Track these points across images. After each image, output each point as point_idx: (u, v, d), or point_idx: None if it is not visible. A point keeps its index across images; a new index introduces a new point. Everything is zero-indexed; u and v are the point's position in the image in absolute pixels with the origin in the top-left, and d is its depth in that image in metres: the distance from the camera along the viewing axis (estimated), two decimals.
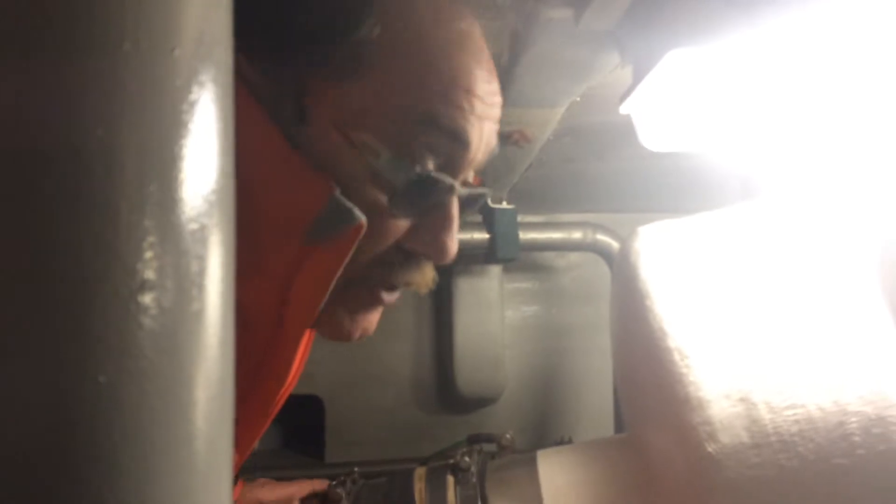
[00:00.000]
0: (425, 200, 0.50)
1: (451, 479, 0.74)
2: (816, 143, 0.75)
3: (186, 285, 0.23)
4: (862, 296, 0.59)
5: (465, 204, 0.54)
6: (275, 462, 1.46)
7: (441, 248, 0.51)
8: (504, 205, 1.30)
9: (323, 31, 0.47)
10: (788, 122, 0.71)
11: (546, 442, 1.41)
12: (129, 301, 0.22)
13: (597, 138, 1.06)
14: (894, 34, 0.55)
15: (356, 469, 0.88)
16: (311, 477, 1.00)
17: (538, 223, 1.41)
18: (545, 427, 1.54)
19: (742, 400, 0.58)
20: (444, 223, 0.51)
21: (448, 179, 0.50)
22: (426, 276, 0.54)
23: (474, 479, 0.73)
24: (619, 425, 1.39)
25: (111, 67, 0.22)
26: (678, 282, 0.65)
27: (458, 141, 0.50)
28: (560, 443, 1.17)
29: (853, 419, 0.55)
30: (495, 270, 1.46)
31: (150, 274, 0.22)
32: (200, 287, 0.23)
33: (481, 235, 1.30)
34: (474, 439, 0.93)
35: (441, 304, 1.49)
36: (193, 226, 0.23)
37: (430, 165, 0.49)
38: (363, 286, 0.52)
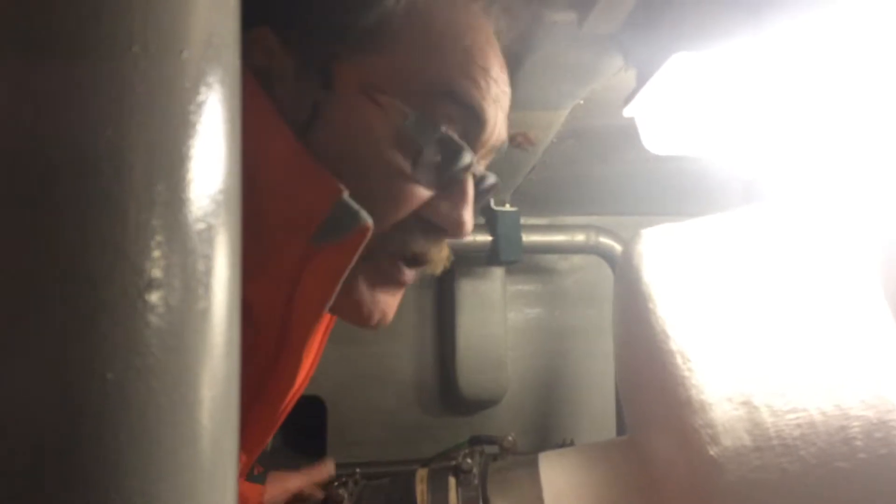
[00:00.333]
0: (446, 168, 0.52)
1: (452, 481, 0.74)
2: (819, 147, 0.75)
3: (193, 284, 0.23)
4: (864, 300, 0.59)
5: (477, 194, 0.56)
6: (275, 462, 1.46)
7: (458, 221, 0.53)
8: (507, 207, 1.30)
9: (352, 2, 0.50)
10: (791, 125, 0.71)
11: (548, 444, 1.40)
12: (137, 299, 0.22)
13: (600, 141, 1.06)
14: None
15: (358, 470, 0.88)
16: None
17: (541, 225, 1.41)
18: (547, 429, 1.54)
19: (744, 403, 0.58)
20: (461, 197, 0.53)
21: (467, 148, 0.52)
22: (442, 252, 0.56)
23: (476, 481, 0.73)
24: (622, 428, 1.39)
25: (120, 69, 0.22)
26: (681, 285, 0.65)
27: (474, 116, 0.52)
28: (562, 445, 1.17)
29: (855, 423, 0.55)
30: (498, 272, 1.46)
31: (157, 273, 0.22)
32: (207, 286, 0.24)
33: (484, 237, 1.30)
34: (476, 441, 0.94)
35: (444, 305, 1.49)
36: (200, 225, 0.23)
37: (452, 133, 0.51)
38: (384, 254, 0.53)
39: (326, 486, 0.91)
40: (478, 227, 1.30)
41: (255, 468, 0.91)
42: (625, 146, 1.06)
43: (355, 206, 0.46)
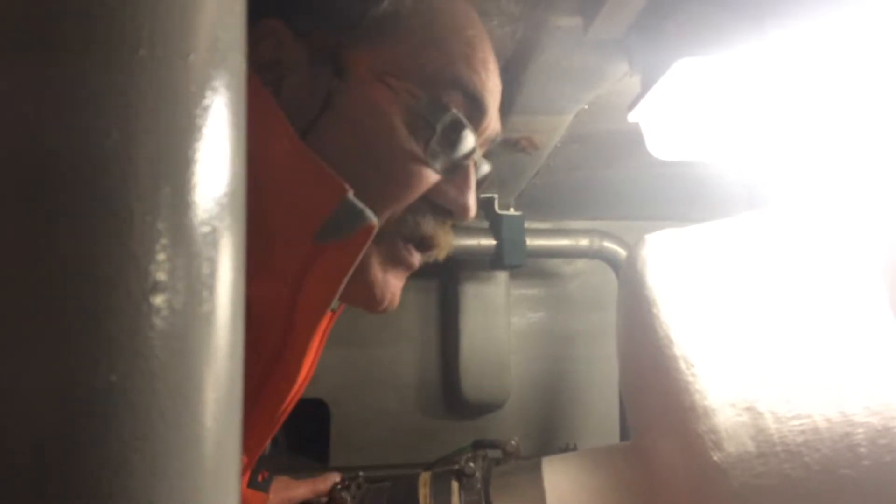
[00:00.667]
0: (453, 152, 0.54)
1: (455, 485, 0.74)
2: (822, 153, 0.75)
3: (197, 287, 0.23)
4: (868, 307, 0.59)
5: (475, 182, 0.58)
6: (278, 466, 1.46)
7: (464, 205, 0.56)
8: (511, 211, 1.30)
9: None
10: (795, 131, 0.71)
11: (551, 448, 1.40)
12: (142, 302, 0.22)
13: (605, 146, 1.06)
14: None
15: (361, 473, 0.88)
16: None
17: (545, 230, 1.41)
18: (550, 433, 1.54)
19: (748, 409, 0.58)
20: (465, 182, 0.56)
21: (473, 130, 0.54)
22: (448, 235, 0.58)
23: (479, 485, 0.73)
24: (625, 433, 1.38)
25: (127, 73, 0.22)
26: (685, 290, 0.65)
27: (476, 103, 0.54)
28: (565, 449, 1.17)
29: (859, 430, 0.55)
30: (502, 276, 1.46)
31: (162, 275, 0.22)
32: (211, 289, 0.24)
33: (488, 242, 1.30)
34: (479, 445, 0.94)
35: (447, 309, 1.49)
36: (205, 228, 0.24)
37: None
38: (397, 235, 0.54)
39: (330, 489, 0.91)
40: (482, 231, 1.30)
41: (260, 474, 0.91)
42: (629, 151, 1.06)
43: (360, 204, 0.47)
